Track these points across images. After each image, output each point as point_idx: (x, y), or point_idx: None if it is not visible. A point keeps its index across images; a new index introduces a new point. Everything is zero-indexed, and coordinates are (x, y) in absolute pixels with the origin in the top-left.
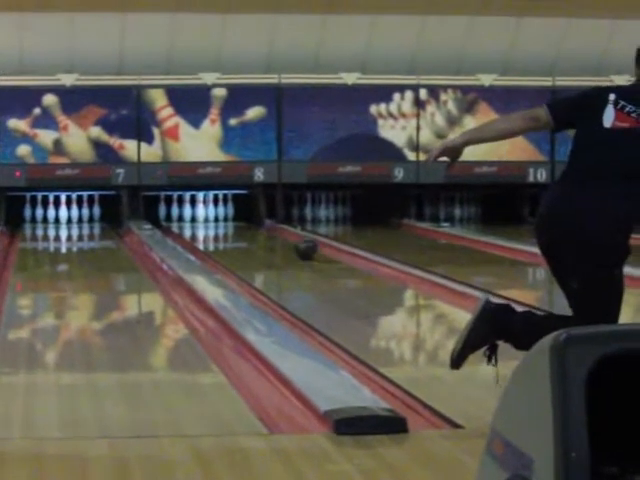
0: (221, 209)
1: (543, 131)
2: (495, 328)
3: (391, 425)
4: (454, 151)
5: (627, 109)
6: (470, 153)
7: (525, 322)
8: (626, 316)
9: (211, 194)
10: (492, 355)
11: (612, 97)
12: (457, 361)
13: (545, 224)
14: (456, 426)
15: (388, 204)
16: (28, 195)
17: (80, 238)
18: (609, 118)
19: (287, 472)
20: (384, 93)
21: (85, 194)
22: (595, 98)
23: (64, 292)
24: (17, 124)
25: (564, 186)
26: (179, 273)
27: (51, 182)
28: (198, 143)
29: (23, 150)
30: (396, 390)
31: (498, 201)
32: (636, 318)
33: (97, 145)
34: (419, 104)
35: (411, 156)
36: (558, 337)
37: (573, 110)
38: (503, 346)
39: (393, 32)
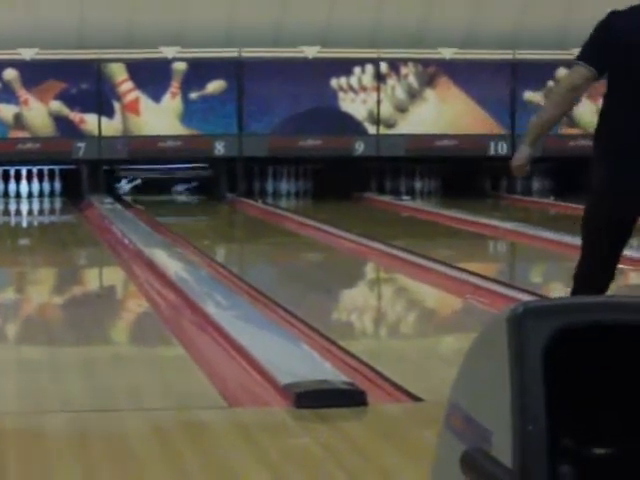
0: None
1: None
2: None
3: (351, 398)
4: (529, 158)
5: None
6: (431, 126)
7: None
8: None
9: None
10: None
11: None
12: None
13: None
14: (416, 399)
15: (349, 178)
16: None
17: (41, 212)
18: None
19: (247, 445)
20: (345, 67)
21: (46, 168)
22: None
23: (25, 266)
24: None
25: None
26: (140, 247)
27: (12, 156)
28: (159, 117)
29: None
30: (357, 363)
31: (459, 174)
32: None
33: (58, 119)
34: (380, 77)
35: (372, 130)
36: (516, 309)
37: (602, 50)
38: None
39: (354, 5)
